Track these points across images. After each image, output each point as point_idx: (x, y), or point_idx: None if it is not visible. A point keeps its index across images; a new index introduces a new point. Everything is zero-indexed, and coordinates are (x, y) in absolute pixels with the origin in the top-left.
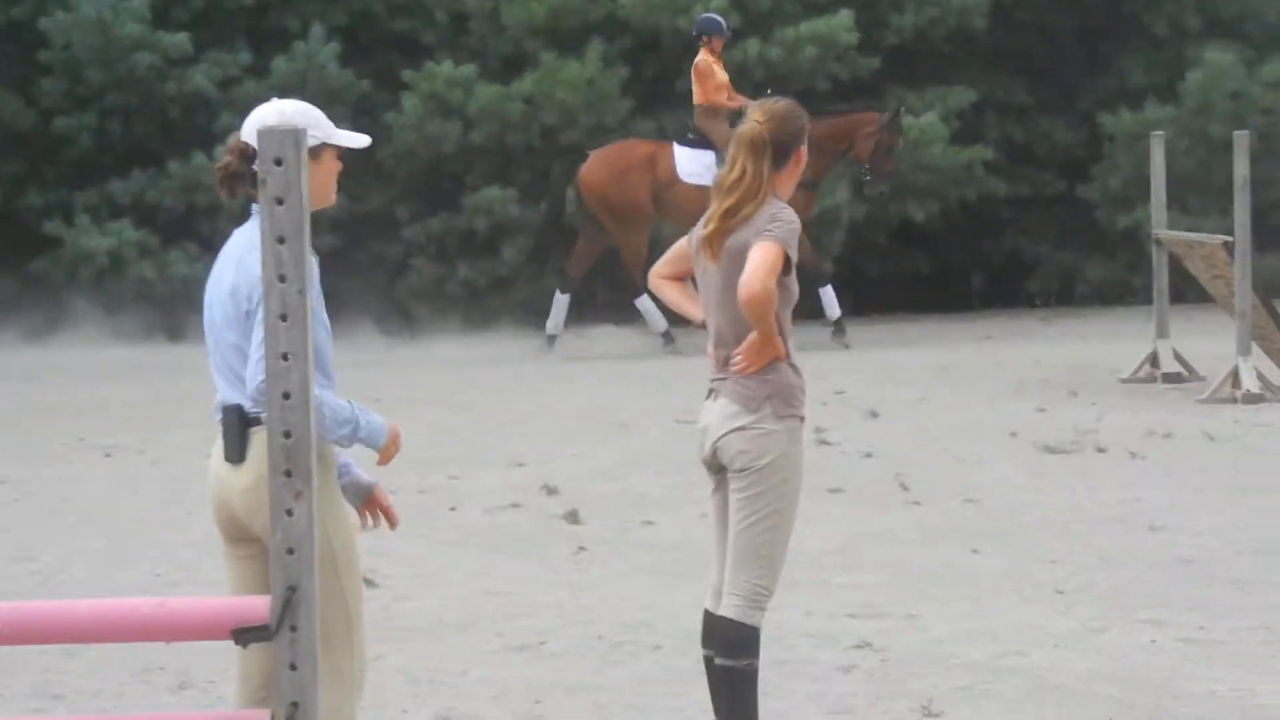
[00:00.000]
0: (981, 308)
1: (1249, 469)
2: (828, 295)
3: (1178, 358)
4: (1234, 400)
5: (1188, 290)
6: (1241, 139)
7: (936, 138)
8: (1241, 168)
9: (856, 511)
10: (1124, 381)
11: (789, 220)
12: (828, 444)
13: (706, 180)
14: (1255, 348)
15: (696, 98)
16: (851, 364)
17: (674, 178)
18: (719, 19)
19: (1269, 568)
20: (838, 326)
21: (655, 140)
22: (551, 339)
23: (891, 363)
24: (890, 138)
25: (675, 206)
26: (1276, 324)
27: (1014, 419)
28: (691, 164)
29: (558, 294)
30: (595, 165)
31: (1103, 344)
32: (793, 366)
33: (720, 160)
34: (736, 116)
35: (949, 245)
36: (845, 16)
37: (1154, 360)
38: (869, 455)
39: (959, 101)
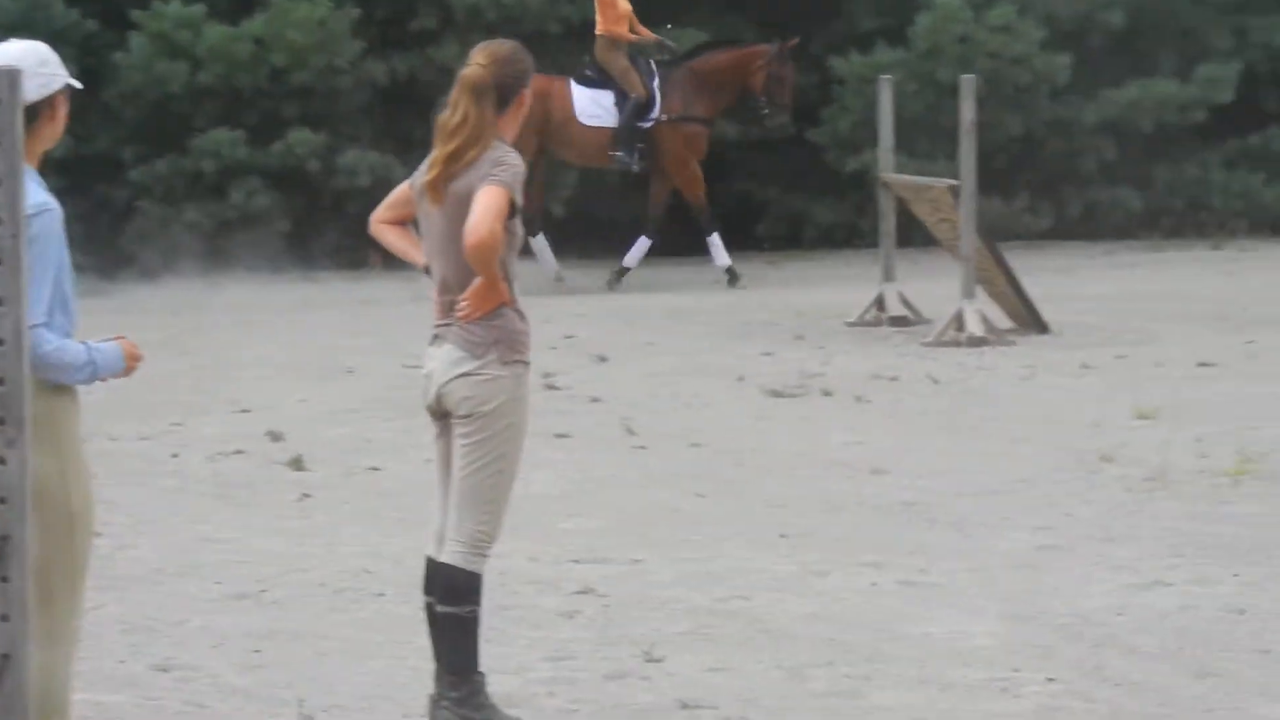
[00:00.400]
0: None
1: (971, 412)
2: (715, 243)
3: (903, 301)
4: (958, 344)
5: (914, 234)
6: (968, 82)
7: None
8: (968, 111)
9: (582, 456)
10: (850, 325)
11: (514, 164)
12: (555, 389)
13: (607, 121)
14: (979, 291)
15: (598, 27)
16: (581, 308)
17: (569, 116)
18: None
19: (988, 510)
20: (730, 274)
21: (550, 75)
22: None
23: (622, 307)
24: (781, 68)
25: (573, 146)
26: (1000, 268)
27: (741, 363)
28: (590, 105)
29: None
30: None
31: (830, 287)
32: (518, 312)
33: (619, 98)
34: (636, 50)
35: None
36: None
37: (880, 304)
38: (596, 400)
39: (691, 43)
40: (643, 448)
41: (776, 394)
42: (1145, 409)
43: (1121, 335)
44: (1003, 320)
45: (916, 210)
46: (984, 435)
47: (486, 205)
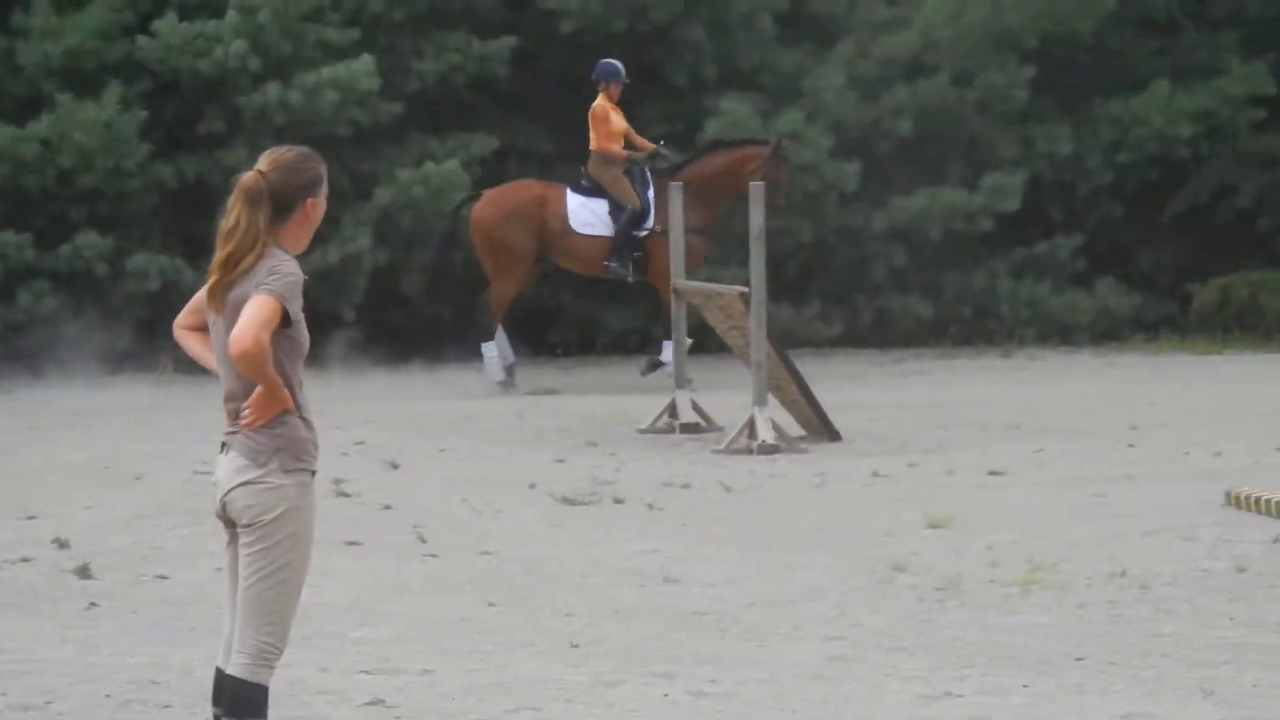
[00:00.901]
0: None
1: (764, 520)
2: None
3: (696, 408)
4: (750, 451)
5: (707, 340)
6: (757, 189)
7: (458, 185)
8: (757, 218)
9: (373, 564)
10: (643, 432)
11: (288, 273)
12: (346, 495)
13: (601, 230)
14: (771, 398)
15: (592, 143)
16: (373, 414)
17: (565, 225)
18: (618, 65)
19: (779, 619)
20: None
21: (548, 183)
22: (509, 371)
23: (413, 413)
24: (775, 170)
25: (568, 254)
26: (791, 375)
27: (533, 470)
28: (583, 212)
29: (484, 344)
30: (486, 205)
31: (623, 394)
32: (304, 420)
33: (613, 207)
34: (630, 163)
35: (469, 293)
36: (366, 62)
37: (673, 410)
38: (388, 507)
39: (481, 148)
40: (434, 555)
41: (569, 501)
42: (936, 517)
43: (913, 443)
44: (795, 428)
45: (708, 317)
46: (776, 544)
47: (253, 315)
